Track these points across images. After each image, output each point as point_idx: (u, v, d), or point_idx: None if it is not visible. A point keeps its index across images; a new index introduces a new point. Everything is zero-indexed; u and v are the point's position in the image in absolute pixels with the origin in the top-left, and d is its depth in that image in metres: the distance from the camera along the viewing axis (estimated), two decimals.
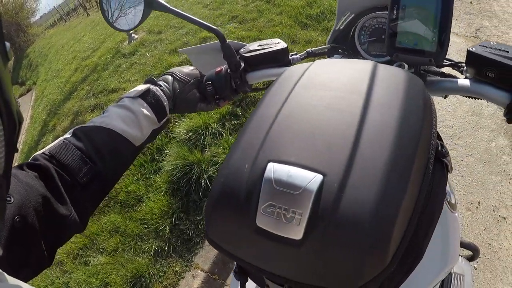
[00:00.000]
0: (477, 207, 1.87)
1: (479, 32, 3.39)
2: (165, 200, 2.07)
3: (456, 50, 2.94)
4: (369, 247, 0.29)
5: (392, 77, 0.39)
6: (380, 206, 0.29)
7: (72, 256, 1.96)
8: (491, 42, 0.58)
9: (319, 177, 0.30)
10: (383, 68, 0.41)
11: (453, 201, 0.61)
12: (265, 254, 0.33)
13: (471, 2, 4.03)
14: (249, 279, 0.44)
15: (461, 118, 2.31)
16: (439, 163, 0.40)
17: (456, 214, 0.61)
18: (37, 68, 11.75)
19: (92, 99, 4.11)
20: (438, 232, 0.50)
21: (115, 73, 4.47)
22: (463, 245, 0.99)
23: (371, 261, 0.29)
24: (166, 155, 2.43)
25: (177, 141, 2.50)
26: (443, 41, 0.56)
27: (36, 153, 0.53)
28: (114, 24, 0.70)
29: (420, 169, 0.34)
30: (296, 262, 0.31)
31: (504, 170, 2.01)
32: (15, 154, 0.26)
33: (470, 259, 1.02)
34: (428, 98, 0.40)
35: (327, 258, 0.30)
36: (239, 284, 0.46)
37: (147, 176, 2.38)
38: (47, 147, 0.54)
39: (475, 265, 1.65)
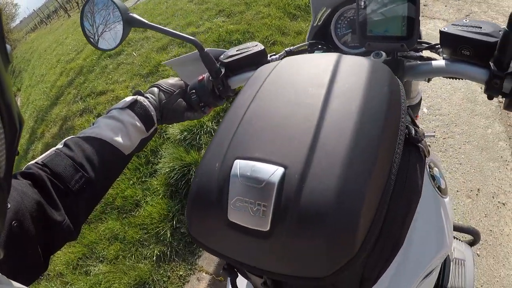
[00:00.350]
0: (477, 194, 1.89)
1: (469, 18, 3.40)
2: (164, 204, 2.03)
3: None
4: (333, 236, 0.29)
5: (355, 67, 0.40)
6: (342, 194, 0.29)
7: (71, 266, 1.91)
8: (464, 20, 0.58)
9: (280, 170, 0.31)
10: (347, 59, 0.41)
11: (443, 186, 0.60)
12: (240, 247, 0.34)
13: None
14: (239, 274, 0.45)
15: (457, 105, 2.32)
16: (415, 149, 0.40)
17: (447, 198, 0.60)
18: (21, 74, 11.43)
19: (80, 103, 4.01)
20: (428, 218, 0.52)
21: (102, 74, 4.37)
22: (463, 229, 0.98)
23: (338, 249, 0.30)
24: (161, 156, 2.38)
25: (172, 142, 2.45)
26: (412, 25, 0.56)
27: (29, 163, 0.54)
28: (99, 46, 0.71)
29: (387, 155, 0.34)
30: (268, 253, 0.32)
31: (501, 156, 2.03)
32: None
33: (471, 243, 1.00)
34: (395, 84, 0.40)
35: (294, 248, 0.30)
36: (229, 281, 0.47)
37: (143, 179, 2.33)
38: (39, 157, 0.56)
39: (478, 252, 1.66)
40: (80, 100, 4.08)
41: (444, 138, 2.18)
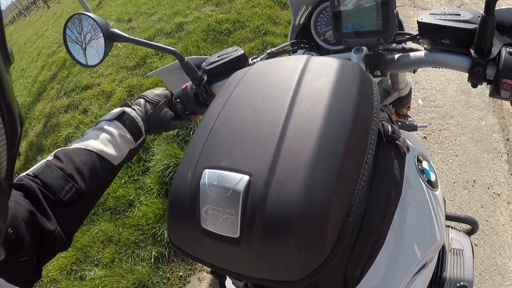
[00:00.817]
0: (473, 185, 1.91)
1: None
2: (159, 203, 1.98)
3: None
4: (301, 241, 0.29)
5: (323, 68, 0.39)
6: (307, 199, 0.29)
7: (65, 272, 1.85)
8: (443, 8, 0.57)
9: (245, 178, 0.31)
10: (315, 60, 0.41)
11: (432, 179, 0.60)
12: (215, 252, 0.34)
13: None
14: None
15: (451, 97, 2.33)
16: (393, 146, 0.40)
17: (438, 191, 0.60)
18: None
19: (64, 98, 3.86)
20: (418, 212, 0.53)
21: (86, 68, 4.21)
22: (460, 219, 0.99)
23: (307, 254, 0.30)
24: (153, 154, 2.31)
25: (164, 138, 2.38)
26: (387, 19, 0.56)
27: (21, 175, 0.55)
28: (83, 62, 0.73)
29: (356, 156, 0.34)
30: (240, 258, 0.33)
31: (495, 148, 2.05)
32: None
33: (470, 233, 1.01)
34: (367, 82, 0.39)
35: (264, 253, 0.31)
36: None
37: (135, 178, 2.27)
38: (30, 169, 0.57)
39: (475, 242, 1.69)
40: (64, 95, 3.93)
41: (440, 130, 2.19)
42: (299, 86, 0.38)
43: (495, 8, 0.47)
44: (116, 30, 0.69)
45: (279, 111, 0.35)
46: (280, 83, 0.39)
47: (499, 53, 0.50)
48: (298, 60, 0.42)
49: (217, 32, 3.47)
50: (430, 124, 2.21)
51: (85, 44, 0.72)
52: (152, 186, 2.11)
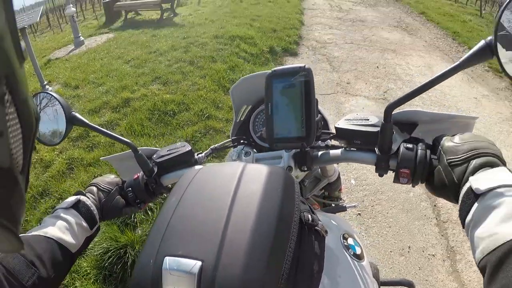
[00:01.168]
0: (408, 251, 2.08)
1: (386, 94, 3.98)
2: None
3: (369, 111, 3.39)
4: None
5: (255, 174, 0.50)
6: (246, 280, 0.39)
7: None
8: (356, 114, 0.71)
9: (198, 263, 0.40)
10: (249, 167, 0.53)
11: (358, 252, 0.70)
12: None
13: (377, 67, 4.73)
14: None
15: None
16: (313, 231, 0.51)
17: (364, 262, 0.69)
18: None
19: None
20: (347, 283, 0.64)
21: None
22: (396, 283, 1.07)
23: None
24: None
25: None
26: (309, 127, 0.67)
27: None
28: (42, 139, 0.76)
29: (282, 244, 0.44)
30: None
31: (425, 215, 2.30)
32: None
33: None
34: (290, 184, 0.51)
35: None
36: None
37: None
38: None
39: None
40: None
41: (372, 206, 2.40)
42: (237, 190, 0.47)
43: (394, 112, 0.61)
44: (77, 115, 0.73)
45: (222, 211, 0.45)
46: (223, 188, 0.49)
47: (398, 148, 0.62)
48: (236, 167, 0.52)
49: (162, 112, 3.52)
50: (363, 201, 2.41)
51: (46, 123, 0.75)
52: (89, 271, 1.90)
